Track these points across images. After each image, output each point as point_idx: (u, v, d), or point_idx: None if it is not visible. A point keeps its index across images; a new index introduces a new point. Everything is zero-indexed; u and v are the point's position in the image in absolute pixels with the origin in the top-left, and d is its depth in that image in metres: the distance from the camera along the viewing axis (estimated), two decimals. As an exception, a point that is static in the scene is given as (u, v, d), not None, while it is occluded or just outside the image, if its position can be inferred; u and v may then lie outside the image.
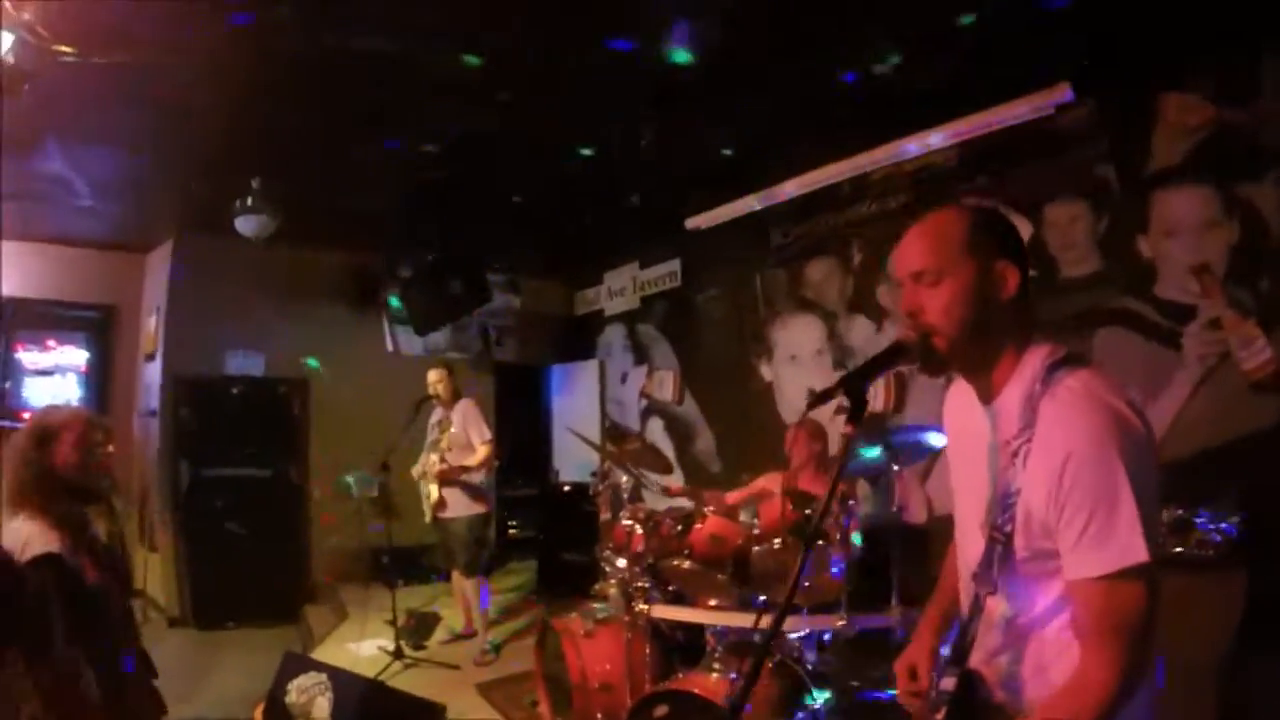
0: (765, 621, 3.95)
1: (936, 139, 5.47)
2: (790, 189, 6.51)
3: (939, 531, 5.52)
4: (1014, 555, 1.57)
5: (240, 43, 4.06)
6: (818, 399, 1.64)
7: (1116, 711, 1.43)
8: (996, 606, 1.65)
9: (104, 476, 3.03)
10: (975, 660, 1.67)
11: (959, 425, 1.85)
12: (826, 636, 4.25)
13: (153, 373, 7.89)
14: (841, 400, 1.59)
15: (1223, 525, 3.98)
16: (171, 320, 7.69)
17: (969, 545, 1.75)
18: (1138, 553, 1.41)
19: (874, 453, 4.15)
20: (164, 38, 3.95)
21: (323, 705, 4.13)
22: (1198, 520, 4.04)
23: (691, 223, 7.34)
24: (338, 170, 5.89)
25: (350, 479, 8.19)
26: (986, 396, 1.70)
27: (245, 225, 6.07)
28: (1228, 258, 4.30)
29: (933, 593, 2.06)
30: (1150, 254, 4.64)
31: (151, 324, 8.00)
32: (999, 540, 1.57)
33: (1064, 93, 4.74)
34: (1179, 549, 4.05)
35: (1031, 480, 1.52)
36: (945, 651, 1.78)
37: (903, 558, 4.57)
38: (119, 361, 8.39)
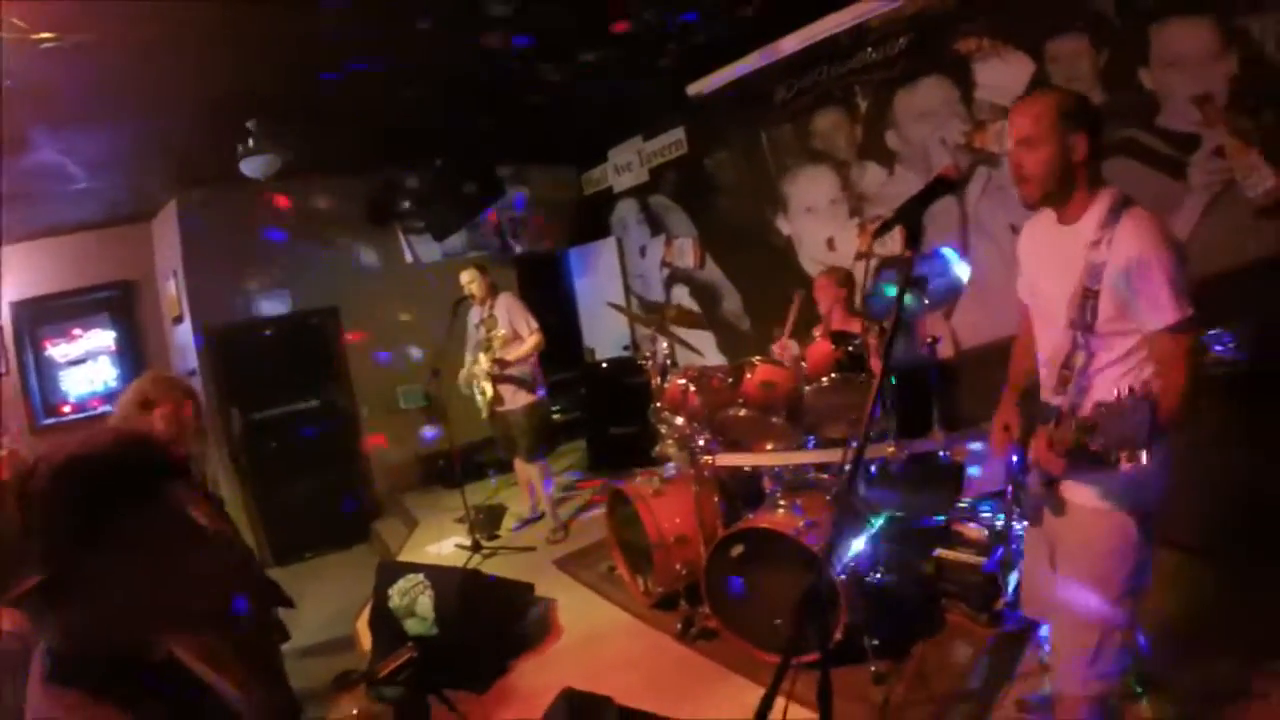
0: (820, 456, 4.23)
1: None
2: (790, 44, 6.44)
3: (967, 364, 5.78)
4: (1099, 312, 2.22)
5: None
6: (881, 229, 2.36)
7: (1183, 410, 2.11)
8: (1084, 353, 2.30)
9: (195, 444, 3.28)
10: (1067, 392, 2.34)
11: (1044, 240, 2.48)
12: (874, 469, 4.47)
13: (184, 334, 7.99)
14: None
15: (1232, 346, 4.08)
16: (191, 279, 7.71)
17: (1051, 329, 2.42)
18: (1189, 309, 2.13)
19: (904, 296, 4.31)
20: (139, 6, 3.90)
21: (425, 602, 4.39)
22: (1210, 341, 4.11)
23: (694, 89, 7.27)
24: (330, 90, 5.75)
25: (399, 393, 8.44)
26: (1070, 220, 2.35)
27: (251, 167, 6.06)
28: (1228, 88, 4.37)
29: (1011, 374, 2.77)
30: (1152, 85, 4.70)
31: (171, 288, 8.06)
32: (1091, 296, 2.22)
33: None
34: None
35: (1116, 258, 2.18)
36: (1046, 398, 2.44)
37: (939, 390, 4.76)
38: (147, 332, 8.44)
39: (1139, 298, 2.16)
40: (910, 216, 2.00)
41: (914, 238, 1.99)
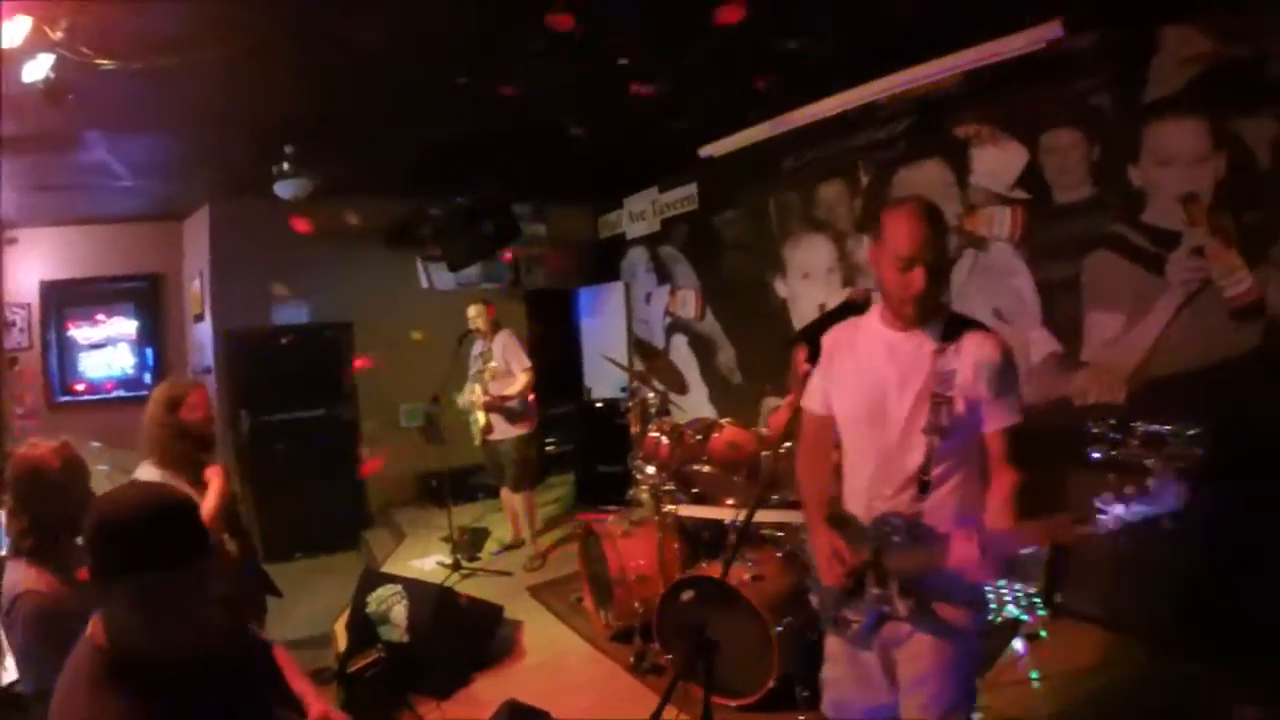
0: (778, 516, 4.51)
1: (938, 70, 5.65)
2: (801, 117, 6.71)
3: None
4: (955, 415, 2.29)
5: (268, 23, 4.24)
6: (790, 343, 2.46)
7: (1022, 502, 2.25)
8: (940, 455, 2.33)
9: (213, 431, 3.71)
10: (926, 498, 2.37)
11: (872, 348, 2.46)
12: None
13: (203, 332, 8.33)
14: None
15: (1193, 443, 4.20)
16: (216, 281, 8.07)
17: (882, 437, 2.41)
18: (1020, 416, 2.33)
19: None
20: (194, 34, 4.20)
21: (400, 612, 4.73)
22: (1170, 436, 4.29)
23: (706, 151, 7.59)
24: (366, 118, 6.02)
25: (401, 411, 8.79)
26: (907, 326, 2.39)
27: (284, 189, 6.40)
28: (1214, 189, 4.51)
29: (810, 498, 2.70)
30: (1140, 182, 4.86)
31: (196, 286, 8.41)
32: (944, 400, 2.29)
33: (1055, 28, 4.92)
34: (1151, 460, 4.39)
35: (967, 366, 2.30)
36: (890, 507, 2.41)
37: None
38: (169, 326, 8.81)
39: (987, 402, 2.30)
40: (811, 336, 2.23)
41: (814, 355, 2.23)
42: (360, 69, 4.94)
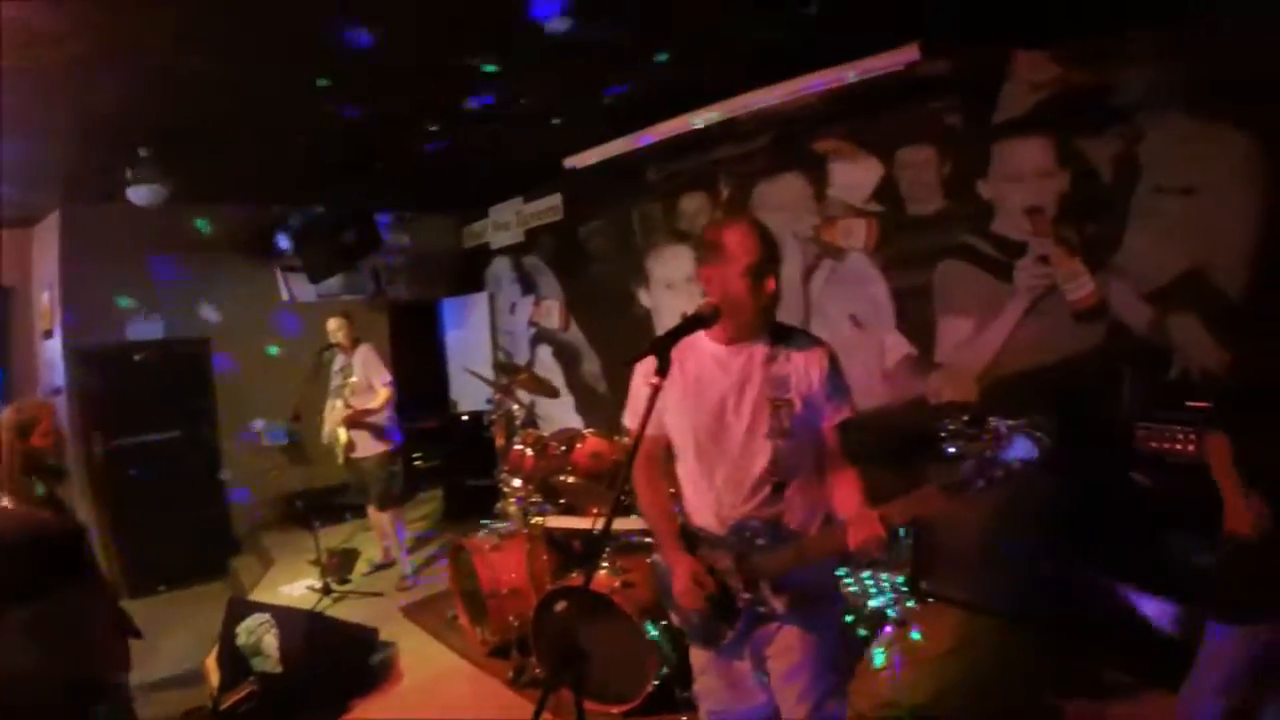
0: (644, 523, 4.55)
1: (798, 88, 5.77)
2: (664, 131, 6.79)
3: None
4: (795, 418, 2.37)
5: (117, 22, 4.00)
6: (633, 360, 2.46)
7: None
8: (788, 459, 2.39)
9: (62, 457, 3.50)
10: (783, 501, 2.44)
11: (705, 364, 2.50)
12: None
13: (53, 349, 7.78)
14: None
15: (1042, 436, 4.58)
16: (66, 294, 7.54)
17: (727, 449, 2.45)
18: (854, 408, 2.47)
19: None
20: (42, 31, 3.93)
21: (270, 641, 4.55)
22: (1020, 430, 4.64)
23: (569, 162, 7.61)
24: (224, 128, 5.82)
25: (259, 428, 8.46)
26: (739, 339, 2.45)
27: (137, 195, 6.01)
28: (1059, 202, 4.88)
29: (657, 523, 2.65)
30: (989, 195, 5.21)
31: (45, 299, 7.88)
32: (783, 404, 2.37)
33: (912, 53, 5.11)
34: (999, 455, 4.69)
35: (801, 369, 2.40)
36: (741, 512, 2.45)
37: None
38: (16, 343, 8.22)
39: (824, 399, 2.41)
40: (661, 349, 2.17)
41: (664, 368, 2.16)
42: (215, 71, 4.72)
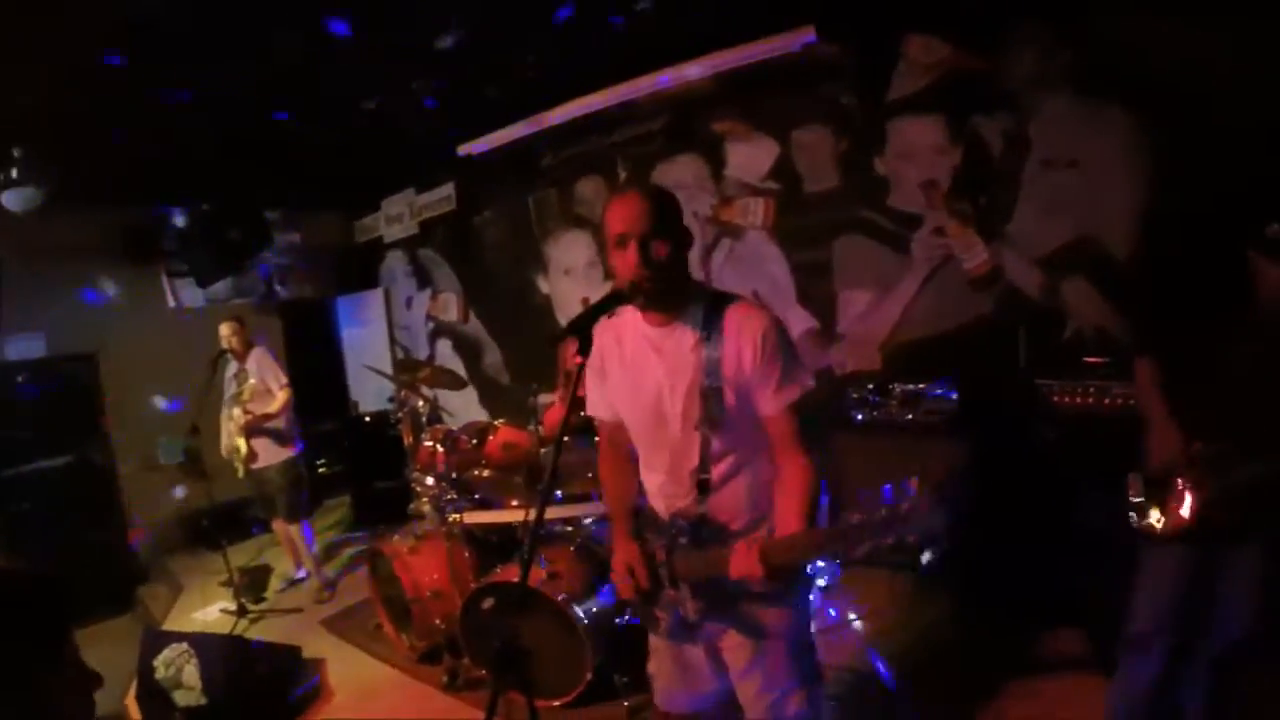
0: (565, 511, 4.53)
1: (694, 70, 5.88)
2: (559, 115, 6.79)
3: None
4: (727, 407, 2.20)
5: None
6: (555, 339, 2.35)
7: (818, 492, 2.17)
8: (720, 450, 2.27)
9: None
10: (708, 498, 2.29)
11: (637, 347, 2.37)
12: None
13: None
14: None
15: (947, 395, 4.80)
16: None
17: (664, 437, 2.34)
18: (809, 383, 2.23)
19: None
20: None
21: (191, 672, 4.33)
22: (926, 392, 4.87)
23: (464, 149, 7.51)
24: (97, 126, 5.56)
25: (159, 447, 8.10)
26: (664, 321, 2.29)
27: (12, 200, 5.71)
28: (952, 176, 5.08)
29: (610, 504, 2.63)
30: (885, 171, 5.38)
31: None
32: (713, 393, 2.20)
33: (808, 34, 5.27)
34: (910, 417, 4.91)
35: (732, 351, 2.18)
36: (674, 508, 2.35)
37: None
38: None
39: (760, 382, 2.19)
40: (582, 328, 2.10)
41: (585, 347, 2.10)
42: (85, 64, 4.52)
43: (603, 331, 2.39)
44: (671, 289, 2.23)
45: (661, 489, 2.40)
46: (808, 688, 2.37)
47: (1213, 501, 2.62)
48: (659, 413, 2.33)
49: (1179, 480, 2.69)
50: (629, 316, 2.36)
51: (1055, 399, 4.17)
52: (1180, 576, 2.78)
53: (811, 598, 4.58)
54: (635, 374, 2.37)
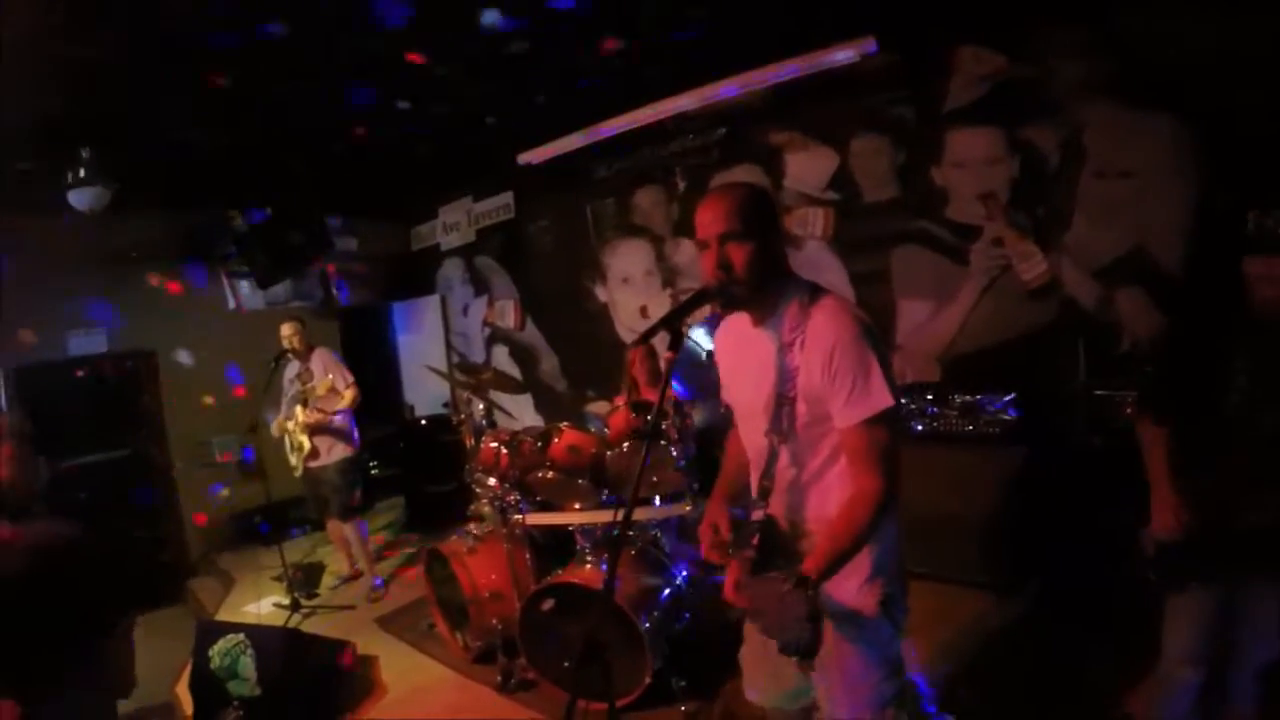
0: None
1: (757, 80, 5.92)
2: (616, 126, 6.84)
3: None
4: (797, 417, 2.18)
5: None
6: (642, 337, 2.29)
7: (883, 516, 2.08)
8: (786, 461, 2.25)
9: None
10: (772, 508, 2.27)
11: (739, 345, 2.40)
12: (675, 524, 4.82)
13: None
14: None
15: (1007, 409, 4.78)
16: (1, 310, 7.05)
17: (754, 436, 2.35)
18: (886, 400, 2.08)
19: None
20: None
21: (247, 663, 4.35)
22: (984, 405, 4.85)
23: (523, 158, 7.57)
24: (162, 129, 5.64)
25: (214, 445, 8.23)
26: (761, 321, 2.28)
27: (79, 199, 5.77)
28: (1009, 187, 5.08)
29: (719, 477, 2.63)
30: (942, 182, 5.38)
31: None
32: (786, 403, 2.18)
33: (869, 44, 5.32)
34: (970, 428, 4.91)
35: (809, 360, 2.13)
36: (740, 512, 2.35)
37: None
38: None
39: (830, 395, 2.12)
40: (673, 322, 2.10)
41: (677, 342, 2.08)
42: (144, 66, 4.55)
43: (726, 325, 2.49)
44: (755, 292, 2.21)
45: (753, 484, 2.38)
46: (889, 709, 2.29)
47: (1219, 555, 2.67)
48: (751, 412, 2.35)
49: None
50: (740, 314, 2.38)
51: (1116, 410, 4.18)
52: (1204, 613, 2.80)
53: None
54: (739, 371, 2.43)
